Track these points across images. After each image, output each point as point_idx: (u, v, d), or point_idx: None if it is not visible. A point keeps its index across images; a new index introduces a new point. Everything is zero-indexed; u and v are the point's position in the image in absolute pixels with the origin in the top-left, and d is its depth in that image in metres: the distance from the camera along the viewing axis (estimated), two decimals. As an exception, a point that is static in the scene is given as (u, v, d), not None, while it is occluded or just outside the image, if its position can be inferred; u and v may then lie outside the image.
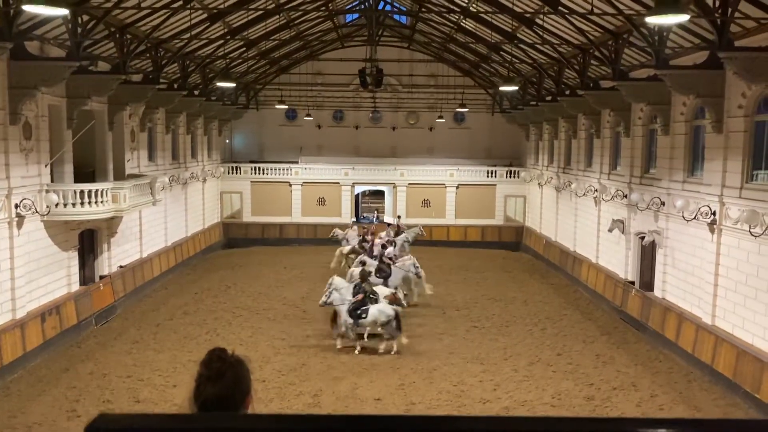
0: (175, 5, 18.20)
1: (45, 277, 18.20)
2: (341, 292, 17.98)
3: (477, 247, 35.07)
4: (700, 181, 17.83)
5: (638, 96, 19.60)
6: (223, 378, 2.57)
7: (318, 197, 36.61)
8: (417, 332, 19.94)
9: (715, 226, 16.65)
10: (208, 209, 33.90)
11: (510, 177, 36.55)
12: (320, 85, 35.63)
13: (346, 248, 27.96)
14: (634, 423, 0.96)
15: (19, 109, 16.55)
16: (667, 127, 19.61)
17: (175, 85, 25.32)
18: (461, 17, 25.85)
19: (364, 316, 17.69)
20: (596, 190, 25.14)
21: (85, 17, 16.32)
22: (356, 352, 17.65)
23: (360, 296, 18.02)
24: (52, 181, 18.63)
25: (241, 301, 23.53)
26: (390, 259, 23.29)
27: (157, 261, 26.40)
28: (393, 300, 19.00)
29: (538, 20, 20.85)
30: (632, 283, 21.95)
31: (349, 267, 26.97)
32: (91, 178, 21.25)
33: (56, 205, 17.90)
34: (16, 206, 16.64)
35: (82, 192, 18.61)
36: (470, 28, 26.79)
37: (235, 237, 35.82)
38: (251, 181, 36.48)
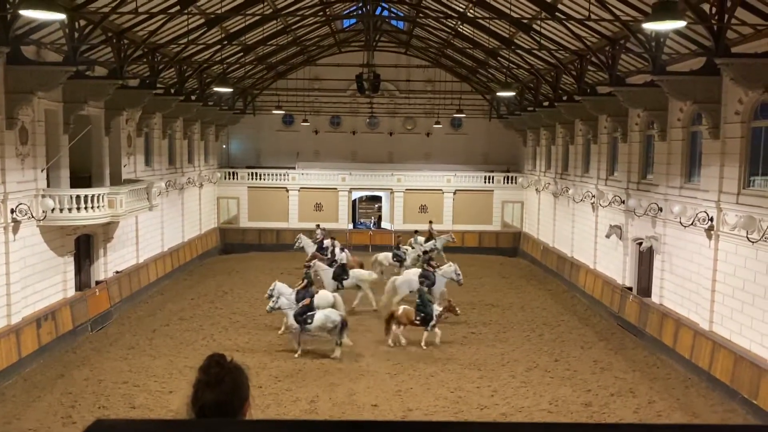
0: (173, 10, 18.20)
1: (41, 282, 18.11)
2: (287, 297, 18.13)
3: (474, 253, 35.00)
4: (697, 187, 17.85)
5: (635, 102, 19.63)
6: (221, 384, 2.54)
7: (315, 203, 36.57)
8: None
9: (712, 232, 16.66)
10: (204, 214, 33.83)
11: (507, 183, 36.57)
12: (317, 91, 35.65)
13: (383, 254, 27.69)
14: (632, 429, 0.92)
15: (15, 114, 16.49)
16: (664, 132, 19.64)
17: (172, 90, 25.30)
18: (458, 23, 25.90)
19: (309, 321, 17.62)
20: (593, 196, 25.16)
21: (82, 22, 16.30)
22: (296, 355, 17.55)
23: (307, 300, 17.97)
24: (48, 186, 18.56)
25: (238, 307, 23.44)
26: (430, 264, 22.89)
27: (154, 266, 26.31)
28: (449, 308, 18.88)
29: (535, 26, 20.91)
30: (630, 288, 21.94)
31: (382, 273, 26.86)
32: (87, 183, 21.18)
33: (52, 210, 17.83)
34: (12, 211, 16.57)
35: (78, 197, 18.54)
36: (468, 34, 26.84)
37: (231, 242, 35.73)
38: (248, 187, 36.42)
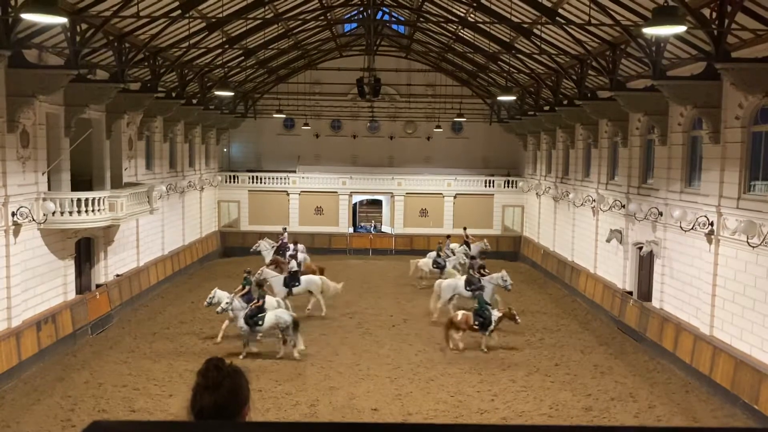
0: (174, 14, 18.24)
1: (41, 285, 18.11)
2: (229, 301, 18.21)
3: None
4: (697, 192, 17.85)
5: (636, 106, 19.65)
6: (220, 388, 2.55)
7: (315, 206, 36.58)
8: (413, 341, 19.88)
9: (712, 237, 16.65)
10: (205, 218, 33.85)
11: (508, 187, 36.59)
12: (318, 95, 35.71)
13: (423, 261, 27.48)
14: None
15: (16, 117, 16.52)
16: (665, 137, 19.65)
17: (173, 94, 25.34)
18: (459, 27, 25.95)
19: (261, 322, 17.72)
20: (594, 200, 25.16)
21: (84, 26, 16.34)
22: (241, 357, 17.46)
23: (259, 302, 18.04)
24: (49, 189, 18.58)
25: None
26: (480, 270, 22.58)
27: (154, 270, 26.31)
28: (508, 315, 18.63)
29: (536, 30, 20.95)
30: (630, 293, 21.92)
31: (421, 278, 26.88)
32: (88, 186, 21.21)
33: (53, 213, 17.84)
34: (13, 214, 16.58)
35: (79, 200, 18.55)
36: (468, 38, 26.88)
37: (232, 246, 35.72)
38: (249, 190, 36.45)
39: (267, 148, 38.24)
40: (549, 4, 18.85)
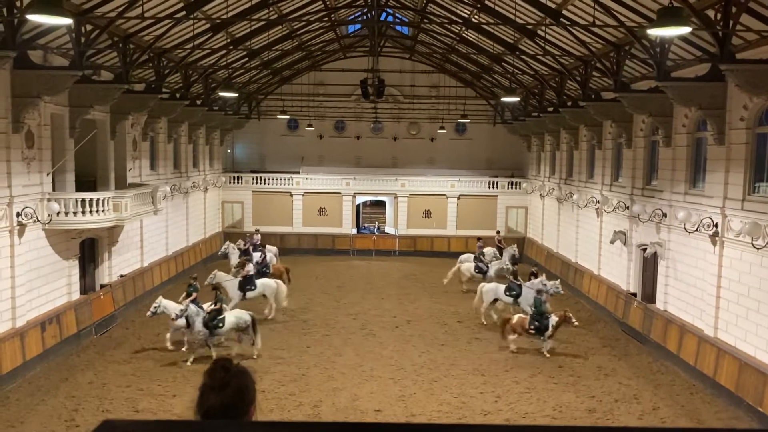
0: (178, 15, 18.28)
1: (45, 285, 18.16)
2: (171, 308, 17.80)
3: (478, 258, 34.97)
4: (702, 193, 17.81)
5: (640, 107, 19.62)
6: (226, 388, 2.55)
7: (319, 207, 36.61)
8: (417, 343, 19.87)
9: (717, 238, 16.61)
10: (209, 219, 33.90)
11: (511, 188, 36.56)
12: (322, 96, 35.75)
13: (465, 265, 26.99)
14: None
15: (21, 118, 16.58)
16: (669, 138, 19.62)
17: (178, 95, 25.39)
18: (463, 28, 25.95)
19: (221, 325, 17.53)
20: (598, 202, 25.12)
21: (89, 27, 16.38)
22: (189, 363, 17.16)
23: (218, 305, 17.85)
24: (53, 189, 18.63)
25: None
26: (515, 277, 22.17)
27: (158, 270, 26.35)
28: (565, 318, 18.20)
29: (540, 32, 20.92)
30: (634, 294, 21.88)
31: (461, 281, 26.50)
32: (92, 187, 21.25)
33: (57, 213, 17.89)
34: (18, 215, 16.63)
35: (83, 201, 18.60)
36: (472, 39, 26.88)
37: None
38: (252, 191, 36.50)
39: (271, 149, 38.30)
40: (553, 6, 18.83)
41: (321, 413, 14.50)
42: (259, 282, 22.21)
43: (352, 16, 30.40)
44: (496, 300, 21.82)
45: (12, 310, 16.47)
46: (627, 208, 22.43)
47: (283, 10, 23.93)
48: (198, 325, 17.49)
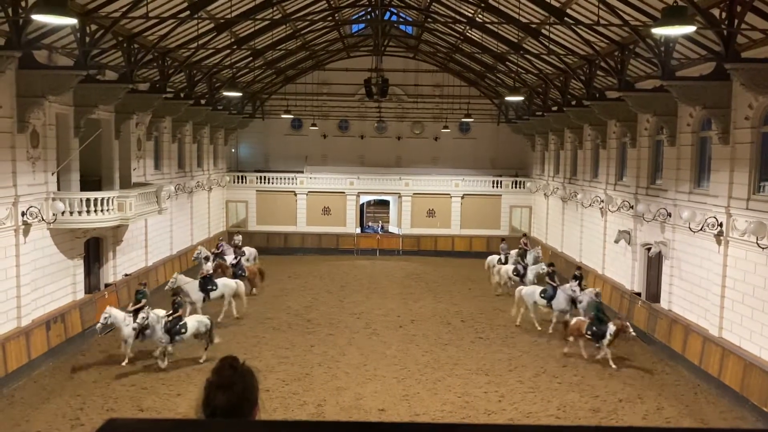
0: (182, 15, 18.31)
1: (50, 285, 18.22)
2: (122, 320, 16.90)
3: (482, 258, 34.88)
4: (706, 193, 17.76)
5: (644, 107, 19.57)
6: (233, 387, 2.55)
7: (323, 207, 36.64)
8: (421, 342, 19.88)
9: (721, 238, 16.56)
10: (213, 218, 33.96)
11: (515, 187, 36.52)
12: (326, 95, 35.77)
13: (505, 267, 26.50)
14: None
15: (26, 118, 16.64)
16: (674, 138, 19.57)
17: (182, 95, 25.43)
18: (467, 27, 25.92)
19: (183, 330, 17.00)
20: (602, 201, 25.07)
21: (93, 27, 16.43)
22: (123, 364, 16.88)
23: (178, 311, 17.24)
24: (58, 189, 18.69)
25: (245, 310, 23.47)
26: (552, 280, 21.67)
27: (162, 269, 26.40)
28: (622, 328, 17.31)
29: (544, 31, 20.89)
30: (638, 294, 21.84)
31: (500, 285, 26.09)
32: (97, 186, 21.33)
33: (62, 213, 17.95)
34: (23, 214, 16.69)
35: (88, 200, 18.66)
36: (476, 39, 26.86)
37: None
38: (256, 191, 36.55)
39: (275, 149, 38.34)
40: (557, 5, 18.81)
41: (325, 412, 14.52)
42: (219, 282, 21.84)
43: (356, 16, 30.40)
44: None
45: (17, 309, 16.53)
46: (631, 207, 22.39)
47: (287, 9, 23.95)
48: (159, 332, 16.76)
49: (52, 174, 18.32)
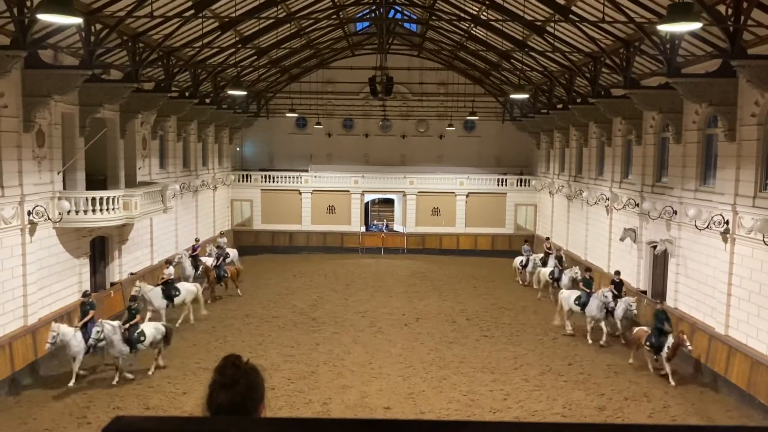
0: (187, 14, 18.33)
1: (57, 283, 18.29)
2: (67, 334, 15.56)
3: (487, 256, 34.95)
4: (712, 190, 17.69)
5: (650, 104, 19.50)
6: (236, 385, 2.55)
7: (328, 205, 36.65)
8: (425, 340, 19.87)
9: (728, 235, 16.50)
10: (218, 217, 34.01)
11: (520, 185, 36.46)
12: (330, 94, 35.77)
13: (544, 270, 26.02)
14: (644, 429, 0.92)
15: (32, 117, 16.69)
16: (679, 135, 19.50)
17: (187, 94, 25.47)
18: (472, 25, 25.87)
19: (142, 338, 16.18)
20: (608, 199, 25.01)
21: (98, 26, 16.47)
22: (70, 384, 15.49)
23: (136, 319, 16.46)
24: (64, 188, 18.75)
25: (251, 309, 23.53)
26: (586, 285, 20.85)
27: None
28: (680, 342, 15.95)
29: (548, 28, 20.84)
30: (644, 292, 21.77)
31: (540, 288, 25.58)
32: (102, 185, 21.38)
33: (68, 212, 18.01)
34: (29, 213, 16.75)
35: (93, 199, 18.71)
36: (481, 36, 26.80)
37: (245, 245, 35.85)
38: (261, 189, 36.59)
39: (279, 147, 38.38)
40: (562, 2, 18.75)
41: (330, 411, 14.53)
42: (182, 287, 21.08)
43: (360, 14, 30.37)
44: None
45: (24, 308, 16.59)
46: (637, 205, 22.32)
47: (291, 8, 23.94)
48: (118, 344, 15.73)
49: (58, 173, 18.37)
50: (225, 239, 29.00)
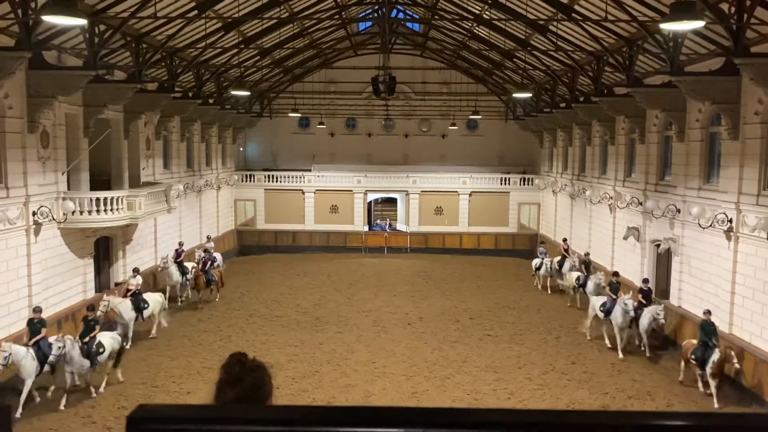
0: (190, 15, 18.38)
1: (61, 284, 18.36)
2: (19, 354, 13.95)
3: (490, 255, 34.96)
4: (716, 188, 17.68)
5: (653, 102, 19.49)
6: (242, 382, 2.57)
7: (331, 205, 36.68)
8: (429, 340, 19.89)
9: (731, 234, 16.48)
10: (222, 217, 34.07)
11: (524, 184, 36.45)
12: (333, 93, 35.80)
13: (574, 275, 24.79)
14: (646, 416, 0.95)
15: (37, 118, 16.77)
16: (683, 133, 19.48)
17: (190, 94, 25.53)
18: (474, 24, 25.88)
19: (102, 350, 15.03)
20: (611, 198, 25.00)
21: (102, 27, 16.53)
22: (46, 398, 14.55)
23: (96, 329, 15.32)
24: (68, 188, 18.83)
25: (255, 309, 23.59)
26: (611, 291, 19.57)
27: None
28: (725, 357, 14.58)
29: (551, 27, 20.84)
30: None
31: (570, 292, 24.35)
32: (106, 185, 21.46)
33: (72, 212, 18.07)
34: (34, 213, 16.82)
35: (98, 199, 18.78)
36: (483, 36, 26.81)
37: (248, 244, 35.97)
38: (265, 189, 36.64)
39: (282, 147, 38.43)
40: (565, 1, 18.75)
41: (334, 410, 14.55)
42: (149, 298, 19.57)
43: (363, 14, 30.40)
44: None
45: (29, 308, 16.63)
46: (640, 203, 22.31)
47: (294, 8, 23.98)
48: (78, 358, 14.50)
49: (62, 174, 18.45)
50: (212, 243, 27.94)
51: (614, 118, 24.40)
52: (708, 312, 15.89)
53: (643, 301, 18.83)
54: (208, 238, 28.84)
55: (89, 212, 18.58)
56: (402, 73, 32.01)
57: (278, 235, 36.34)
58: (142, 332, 19.70)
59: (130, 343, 18.13)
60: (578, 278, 24.18)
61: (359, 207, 36.84)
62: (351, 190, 36.66)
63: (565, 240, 28.75)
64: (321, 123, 36.74)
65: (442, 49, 33.32)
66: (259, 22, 22.51)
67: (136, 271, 20.55)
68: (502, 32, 24.23)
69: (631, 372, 17.18)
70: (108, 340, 15.52)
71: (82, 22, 11.70)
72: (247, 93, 28.87)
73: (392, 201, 40.35)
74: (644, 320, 18.16)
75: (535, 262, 28.02)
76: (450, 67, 35.48)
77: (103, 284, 21.28)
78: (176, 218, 26.82)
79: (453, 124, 36.45)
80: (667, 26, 11.88)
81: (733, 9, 13.36)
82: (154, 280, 23.99)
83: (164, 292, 21.99)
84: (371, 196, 38.70)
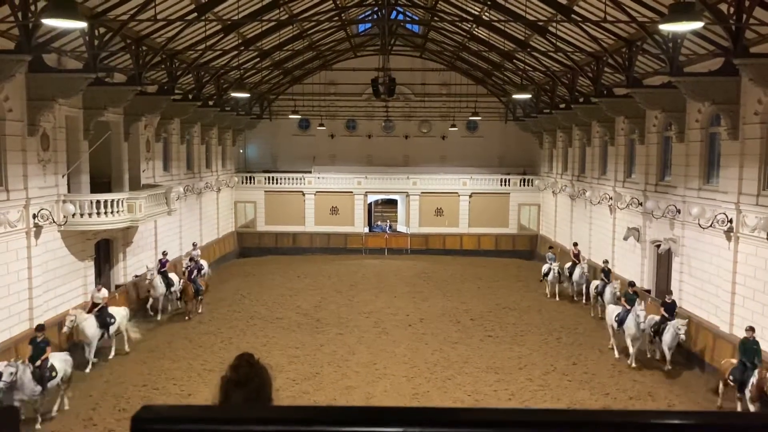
0: (190, 17, 18.41)
1: (62, 286, 18.36)
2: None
3: (491, 256, 34.97)
4: (716, 189, 17.69)
5: (653, 103, 19.51)
6: (250, 383, 2.59)
7: (331, 206, 36.70)
8: (430, 341, 19.90)
9: (731, 234, 16.49)
10: (222, 219, 34.08)
11: (524, 185, 36.46)
12: (333, 95, 35.83)
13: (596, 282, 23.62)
14: (645, 415, 0.96)
15: (37, 121, 16.78)
16: (682, 134, 19.49)
17: (190, 96, 25.56)
18: (474, 26, 25.91)
19: (54, 374, 13.82)
20: (611, 198, 25.01)
21: (102, 29, 16.54)
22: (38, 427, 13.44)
23: (48, 350, 14.08)
24: (68, 191, 18.84)
25: (255, 310, 23.59)
26: (628, 301, 18.65)
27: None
28: (763, 378, 12.94)
29: (551, 28, 20.86)
30: (648, 291, 21.76)
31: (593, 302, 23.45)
32: (107, 188, 21.46)
33: (73, 215, 18.08)
34: (34, 216, 16.84)
35: (98, 202, 18.80)
36: (483, 37, 26.83)
37: (248, 246, 35.97)
38: (265, 191, 36.66)
39: (283, 149, 38.45)
40: (564, 2, 18.77)
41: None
42: (115, 312, 18.36)
43: (363, 15, 30.43)
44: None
45: (29, 310, 16.67)
46: (640, 204, 22.32)
47: (293, 10, 24.01)
48: (29, 383, 13.18)
49: (63, 176, 18.46)
50: (198, 251, 26.78)
51: (614, 118, 24.42)
52: (751, 329, 14.26)
53: (666, 315, 17.63)
54: (194, 245, 27.44)
55: (89, 215, 18.58)
56: (402, 75, 32.03)
57: (278, 237, 36.35)
58: (107, 349, 18.29)
59: (91, 365, 16.87)
60: (597, 287, 23.21)
61: (359, 208, 36.84)
62: (351, 192, 36.67)
63: (575, 245, 27.04)
64: (321, 125, 36.77)
65: (441, 50, 33.35)
66: (259, 25, 22.53)
67: (101, 284, 19.47)
68: (501, 33, 24.25)
69: (631, 372, 17.18)
70: (59, 362, 14.22)
71: (82, 24, 11.72)
72: (247, 95, 28.89)
73: (392, 202, 40.36)
74: (667, 336, 16.97)
75: (544, 268, 26.66)
76: (450, 68, 35.51)
77: (103, 286, 21.23)
78: (176, 220, 26.83)
79: (453, 126, 36.47)
80: (667, 27, 11.88)
81: (732, 9, 13.38)
82: (137, 292, 22.99)
83: (146, 303, 21.74)
84: (371, 198, 38.71)
